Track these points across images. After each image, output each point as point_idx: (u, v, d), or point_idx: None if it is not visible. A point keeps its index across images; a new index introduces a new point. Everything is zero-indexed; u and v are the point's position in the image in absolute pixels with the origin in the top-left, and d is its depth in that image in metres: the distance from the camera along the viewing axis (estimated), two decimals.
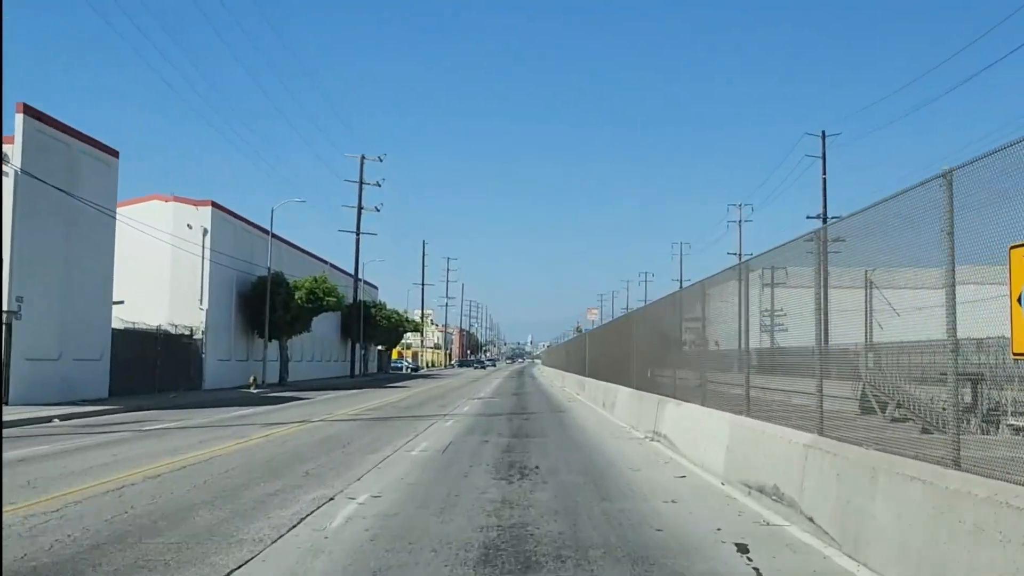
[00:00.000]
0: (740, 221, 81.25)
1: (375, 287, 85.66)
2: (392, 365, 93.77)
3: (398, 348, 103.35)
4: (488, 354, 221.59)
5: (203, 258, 39.93)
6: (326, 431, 19.21)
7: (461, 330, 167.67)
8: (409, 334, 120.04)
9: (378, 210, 65.60)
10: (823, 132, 55.40)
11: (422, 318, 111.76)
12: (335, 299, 45.00)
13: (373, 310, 69.66)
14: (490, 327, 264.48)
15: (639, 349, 21.28)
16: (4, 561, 6.47)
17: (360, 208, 65.06)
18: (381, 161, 66.00)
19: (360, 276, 68.79)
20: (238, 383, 41.72)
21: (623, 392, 22.38)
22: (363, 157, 65.11)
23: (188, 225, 39.86)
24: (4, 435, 16.56)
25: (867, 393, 11.15)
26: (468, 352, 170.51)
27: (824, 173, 55.88)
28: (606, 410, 25.06)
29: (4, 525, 7.59)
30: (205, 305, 39.94)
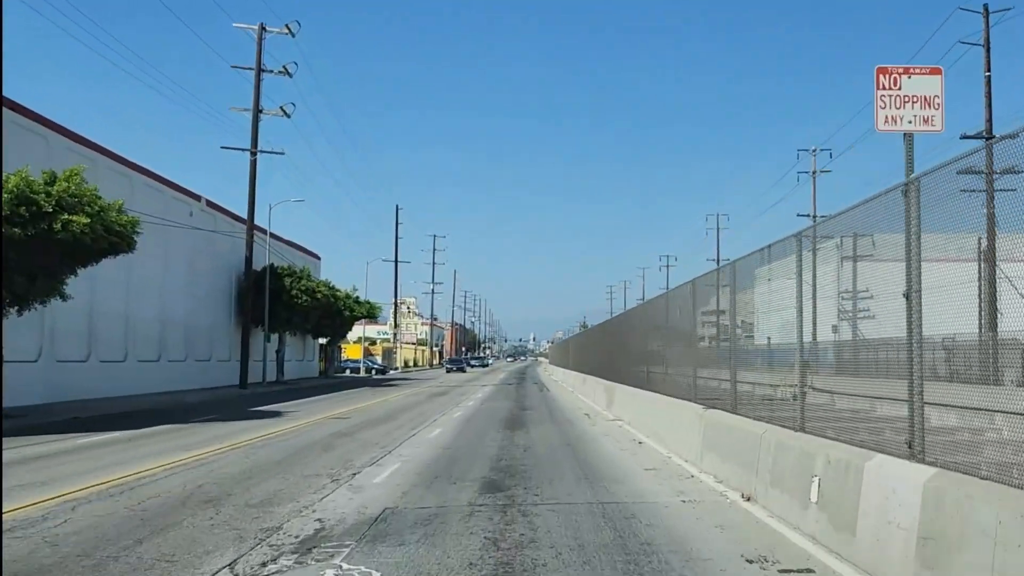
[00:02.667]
0: (814, 172, 56.90)
1: (316, 256, 59.88)
2: (347, 365, 67.92)
3: (366, 344, 77.51)
4: (489, 351, 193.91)
5: None
6: None
7: (454, 324, 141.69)
8: (385, 327, 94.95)
9: (288, 115, 40.23)
10: (985, 7, 32.25)
11: (395, 305, 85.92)
12: (90, 221, 19.34)
13: (288, 279, 43.93)
14: (490, 323, 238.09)
15: None
16: None
17: (257, 111, 39.66)
18: (293, 36, 40.57)
19: (269, 228, 43.32)
20: None
21: None
22: (262, 26, 39.70)
23: None
24: None
25: None
26: (464, 349, 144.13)
27: (988, 70, 32.32)
28: None
29: None
30: None
